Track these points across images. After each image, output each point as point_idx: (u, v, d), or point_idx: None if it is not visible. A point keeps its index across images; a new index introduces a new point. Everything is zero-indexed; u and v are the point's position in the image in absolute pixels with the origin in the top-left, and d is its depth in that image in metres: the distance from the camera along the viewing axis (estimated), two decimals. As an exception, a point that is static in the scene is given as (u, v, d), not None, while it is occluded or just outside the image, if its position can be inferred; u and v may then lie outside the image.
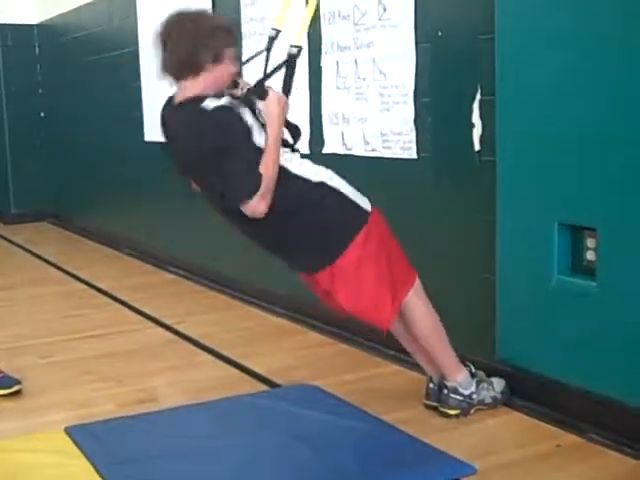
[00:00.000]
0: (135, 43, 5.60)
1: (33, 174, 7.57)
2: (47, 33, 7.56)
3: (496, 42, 2.74)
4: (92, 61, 6.50)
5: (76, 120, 7.04)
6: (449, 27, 3.04)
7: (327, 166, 2.69)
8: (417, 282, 2.74)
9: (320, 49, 3.70)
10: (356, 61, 3.49)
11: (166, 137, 2.74)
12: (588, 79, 2.46)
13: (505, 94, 2.74)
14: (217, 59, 2.57)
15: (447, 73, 3.08)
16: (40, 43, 7.72)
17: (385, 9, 3.29)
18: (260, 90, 2.62)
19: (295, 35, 2.69)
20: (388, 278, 2.65)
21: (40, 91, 7.73)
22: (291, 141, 2.68)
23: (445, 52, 3.07)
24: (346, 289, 2.62)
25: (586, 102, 2.47)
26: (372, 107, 3.42)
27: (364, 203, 2.67)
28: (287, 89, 2.67)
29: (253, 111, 2.59)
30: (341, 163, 3.62)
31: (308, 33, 3.71)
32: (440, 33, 3.06)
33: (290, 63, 2.66)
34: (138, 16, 5.55)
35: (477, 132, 2.94)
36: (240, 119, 2.52)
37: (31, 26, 7.69)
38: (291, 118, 2.68)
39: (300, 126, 2.77)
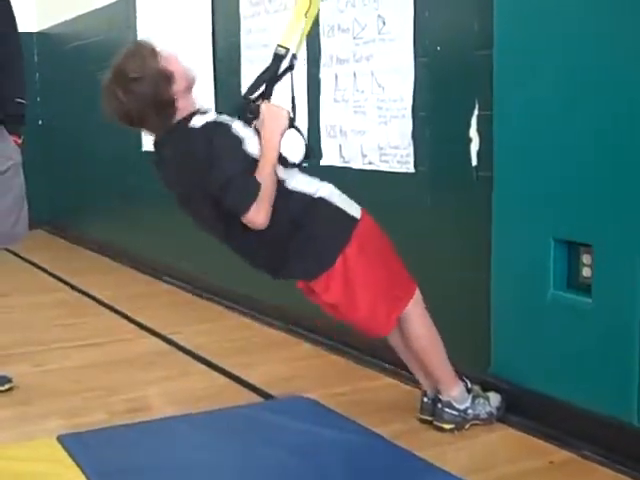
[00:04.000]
0: (134, 53, 5.60)
1: (29, 182, 7.49)
2: (46, 41, 7.57)
3: (494, 57, 2.75)
4: (91, 70, 6.49)
5: (73, 128, 7.04)
6: (447, 42, 3.05)
7: (325, 179, 2.69)
8: (417, 294, 2.72)
9: (319, 61, 3.71)
10: (355, 74, 3.50)
11: (162, 170, 2.68)
12: (585, 95, 2.47)
13: (503, 109, 2.75)
14: (170, 81, 2.50)
15: (445, 87, 3.09)
16: (39, 51, 7.73)
17: (384, 23, 3.30)
18: (250, 108, 2.57)
19: (285, 37, 2.65)
20: (385, 289, 2.65)
21: (38, 99, 7.73)
22: (294, 160, 2.57)
23: (443, 67, 3.08)
24: (342, 298, 2.61)
25: (583, 118, 2.48)
26: (370, 120, 3.42)
27: (354, 211, 2.65)
28: (267, 93, 2.59)
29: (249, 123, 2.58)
30: (338, 176, 3.62)
31: (307, 45, 3.76)
32: (439, 48, 3.07)
33: (275, 64, 2.61)
34: (138, 25, 5.56)
35: (474, 147, 2.94)
36: (228, 130, 2.51)
37: (30, 34, 7.67)
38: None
39: (311, 146, 2.66)
